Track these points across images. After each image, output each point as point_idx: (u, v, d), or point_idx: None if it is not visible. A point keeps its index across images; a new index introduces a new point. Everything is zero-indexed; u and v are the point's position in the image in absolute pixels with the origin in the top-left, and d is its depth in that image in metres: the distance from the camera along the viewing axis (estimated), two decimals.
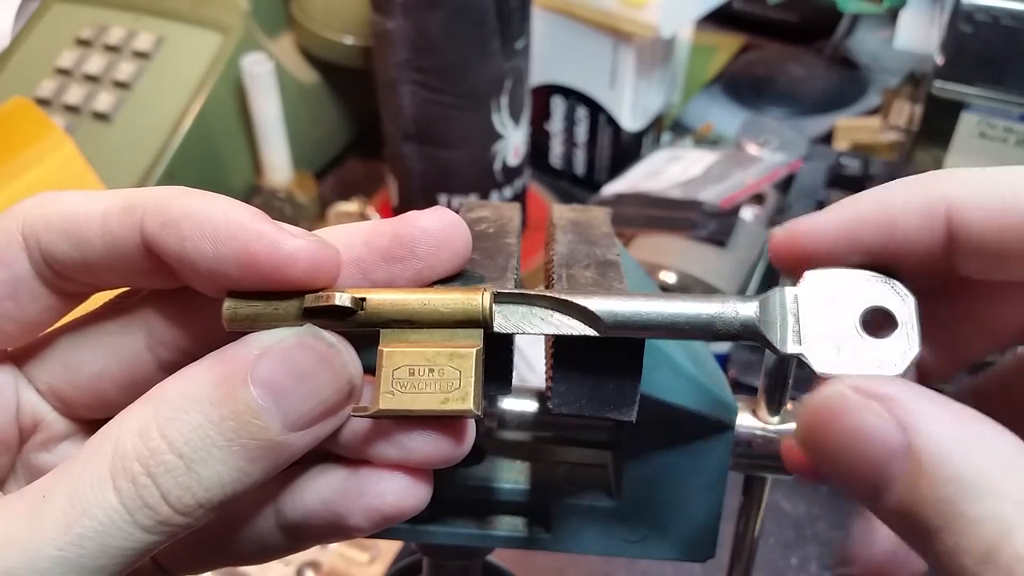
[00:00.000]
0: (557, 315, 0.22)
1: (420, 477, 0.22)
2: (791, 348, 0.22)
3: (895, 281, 0.22)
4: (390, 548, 0.58)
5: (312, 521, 0.23)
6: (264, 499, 0.23)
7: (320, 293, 0.21)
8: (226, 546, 0.23)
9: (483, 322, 0.21)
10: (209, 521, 0.23)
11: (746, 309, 0.22)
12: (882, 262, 0.22)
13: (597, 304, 0.22)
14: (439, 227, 0.22)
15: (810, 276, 0.22)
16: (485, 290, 0.21)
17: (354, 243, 0.22)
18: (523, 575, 0.34)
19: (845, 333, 0.22)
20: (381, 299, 0.21)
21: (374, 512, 0.22)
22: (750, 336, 0.22)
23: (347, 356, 0.21)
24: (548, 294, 0.22)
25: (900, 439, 0.18)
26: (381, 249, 0.22)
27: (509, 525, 0.30)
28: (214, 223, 0.21)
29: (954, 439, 0.18)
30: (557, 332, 0.22)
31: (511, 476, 0.31)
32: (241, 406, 0.20)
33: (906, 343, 0.21)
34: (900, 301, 0.22)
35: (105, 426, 0.20)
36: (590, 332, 0.22)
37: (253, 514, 0.23)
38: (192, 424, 0.19)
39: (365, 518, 0.22)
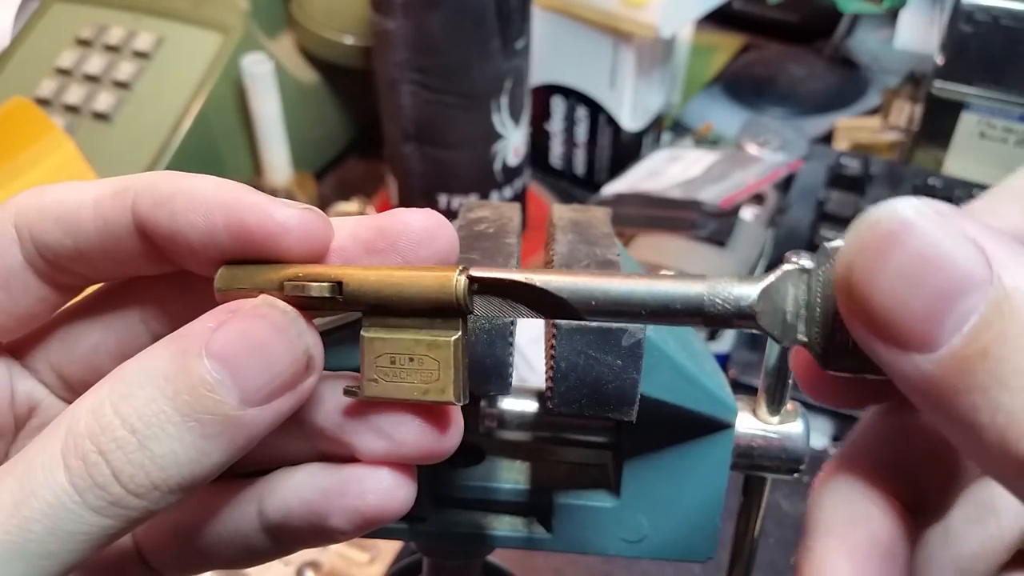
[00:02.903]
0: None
1: (404, 477, 0.22)
2: (798, 336, 0.19)
3: None
4: (390, 548, 0.58)
5: (293, 522, 0.22)
6: (247, 498, 0.23)
7: (298, 281, 0.21)
8: (211, 547, 0.23)
9: (460, 309, 0.20)
10: (194, 519, 0.23)
11: (742, 290, 0.19)
12: None
13: (570, 283, 0.20)
14: (423, 225, 0.21)
15: (825, 248, 0.19)
16: (462, 270, 0.20)
17: (339, 234, 0.22)
18: (523, 575, 0.34)
19: None
20: (359, 285, 0.21)
21: (354, 513, 0.22)
22: (746, 323, 0.19)
23: (303, 325, 0.21)
24: (521, 279, 0.20)
25: (984, 271, 0.15)
26: (364, 241, 0.22)
27: (509, 525, 0.30)
28: (205, 195, 0.21)
29: None
30: (537, 317, 0.20)
31: (511, 476, 0.31)
32: (195, 379, 0.19)
33: None
34: None
35: (67, 408, 0.20)
36: (572, 316, 0.20)
37: (236, 514, 0.23)
38: (146, 399, 0.19)
39: (346, 519, 0.22)
